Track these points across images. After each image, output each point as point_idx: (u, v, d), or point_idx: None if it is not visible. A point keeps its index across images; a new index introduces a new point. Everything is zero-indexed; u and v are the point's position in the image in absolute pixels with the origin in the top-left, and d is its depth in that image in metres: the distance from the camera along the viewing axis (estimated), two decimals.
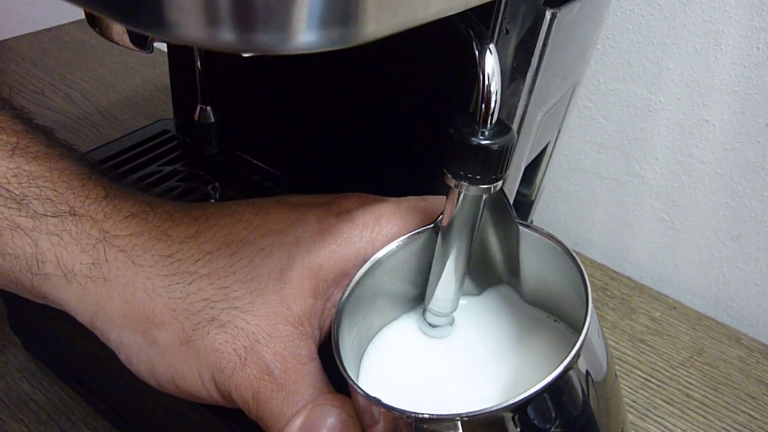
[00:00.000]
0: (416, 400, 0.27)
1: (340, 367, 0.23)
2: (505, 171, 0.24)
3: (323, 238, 0.28)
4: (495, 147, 0.22)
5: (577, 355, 0.22)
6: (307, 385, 0.26)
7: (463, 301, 0.30)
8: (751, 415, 0.45)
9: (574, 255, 0.25)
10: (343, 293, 0.26)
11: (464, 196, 0.25)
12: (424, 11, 0.16)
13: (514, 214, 0.27)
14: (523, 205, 0.42)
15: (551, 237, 0.26)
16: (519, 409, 0.21)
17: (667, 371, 0.48)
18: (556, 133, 0.39)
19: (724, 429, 0.44)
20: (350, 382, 0.23)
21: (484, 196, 0.25)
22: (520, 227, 0.27)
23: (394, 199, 0.30)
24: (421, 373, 0.28)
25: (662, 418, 0.44)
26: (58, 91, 0.68)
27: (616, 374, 0.26)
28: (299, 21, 0.14)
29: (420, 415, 0.21)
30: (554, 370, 0.21)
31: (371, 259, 0.27)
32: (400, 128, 0.35)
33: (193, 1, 0.14)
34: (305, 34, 0.14)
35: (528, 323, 0.29)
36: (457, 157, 0.23)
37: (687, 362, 0.49)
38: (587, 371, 0.23)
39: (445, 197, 0.26)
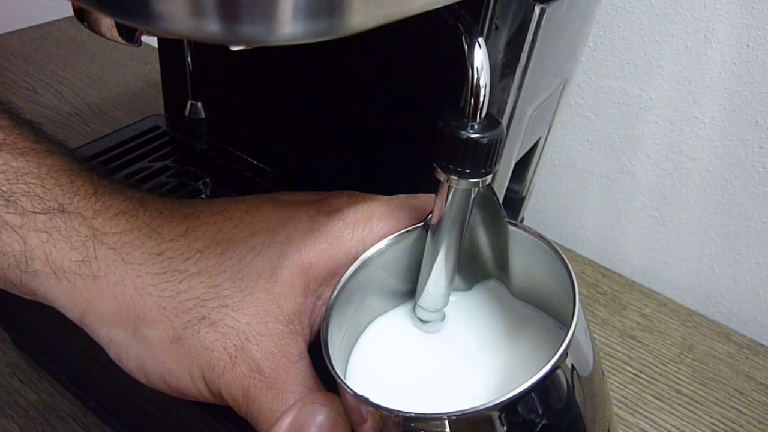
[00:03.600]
0: (406, 396, 0.27)
1: (329, 367, 0.23)
2: (495, 165, 0.24)
3: (314, 236, 0.28)
4: (484, 141, 0.23)
5: (564, 354, 0.22)
6: (296, 384, 0.26)
7: (452, 297, 0.30)
8: (740, 411, 0.46)
9: (563, 255, 0.25)
10: (332, 292, 0.26)
11: (454, 191, 0.25)
12: (410, 4, 0.16)
13: (504, 213, 0.27)
14: (514, 202, 0.42)
15: (540, 236, 0.26)
16: (506, 408, 0.21)
17: (657, 367, 0.48)
18: (547, 129, 0.39)
19: (713, 424, 0.44)
20: (339, 381, 0.23)
21: (473, 191, 0.25)
22: (509, 226, 0.27)
23: (385, 197, 0.30)
24: (411, 368, 0.28)
25: (652, 413, 0.45)
26: (49, 87, 0.68)
27: (603, 372, 0.26)
28: (284, 12, 0.14)
29: (408, 414, 0.21)
30: (541, 369, 0.21)
31: (360, 258, 0.27)
32: (392, 124, 0.35)
33: None
34: (290, 25, 0.14)
35: (517, 318, 0.29)
36: (446, 151, 0.23)
37: (677, 358, 0.49)
38: (574, 369, 0.23)
39: (435, 195, 0.26)
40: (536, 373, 0.21)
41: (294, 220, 0.29)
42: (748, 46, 0.46)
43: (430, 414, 0.21)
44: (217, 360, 0.25)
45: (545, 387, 0.21)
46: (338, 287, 0.26)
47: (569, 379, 0.22)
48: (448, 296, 0.29)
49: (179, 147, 0.44)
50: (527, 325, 0.29)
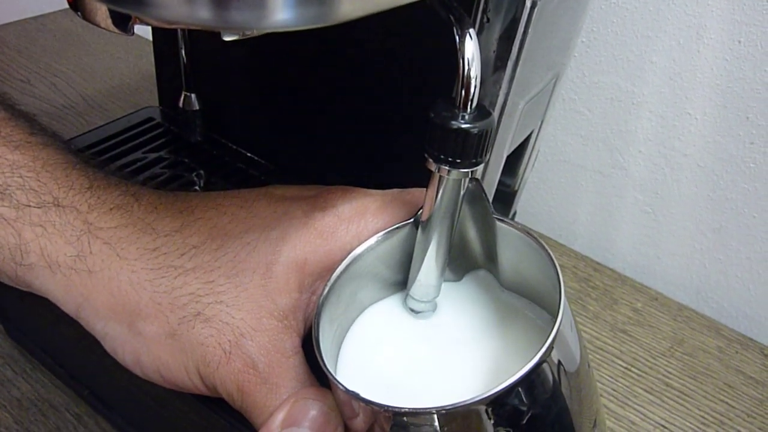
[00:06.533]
0: (397, 386, 0.27)
1: (321, 364, 0.24)
2: (485, 155, 0.24)
3: (309, 232, 0.28)
4: (475, 131, 0.23)
5: (550, 348, 0.22)
6: (290, 378, 0.26)
7: (443, 288, 0.30)
8: (729, 404, 0.46)
9: (549, 251, 0.25)
10: (323, 290, 0.26)
11: (445, 181, 0.25)
12: None
13: (492, 209, 0.27)
14: (506, 195, 0.42)
15: (527, 233, 0.26)
16: (494, 402, 0.21)
17: (648, 361, 0.49)
18: (539, 123, 0.39)
19: (703, 417, 0.45)
20: (330, 377, 0.23)
21: (464, 181, 0.25)
22: (498, 222, 0.27)
23: (379, 191, 0.30)
24: (401, 358, 0.28)
25: (642, 406, 0.45)
26: (44, 79, 0.68)
27: (589, 365, 0.27)
28: None
29: (398, 409, 0.22)
30: (527, 364, 0.21)
31: (351, 255, 0.27)
32: (385, 116, 0.35)
33: None
34: (280, 12, 0.14)
35: (507, 309, 0.29)
36: (437, 140, 0.23)
37: (667, 352, 0.49)
38: (560, 363, 0.23)
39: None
40: (522, 368, 0.21)
41: (289, 215, 0.29)
42: (739, 42, 0.46)
43: (420, 409, 0.21)
44: (212, 355, 0.26)
45: (531, 381, 0.22)
46: (329, 284, 0.26)
47: (555, 373, 0.23)
48: (439, 287, 0.29)
49: (173, 138, 0.44)
50: (516, 316, 0.29)
